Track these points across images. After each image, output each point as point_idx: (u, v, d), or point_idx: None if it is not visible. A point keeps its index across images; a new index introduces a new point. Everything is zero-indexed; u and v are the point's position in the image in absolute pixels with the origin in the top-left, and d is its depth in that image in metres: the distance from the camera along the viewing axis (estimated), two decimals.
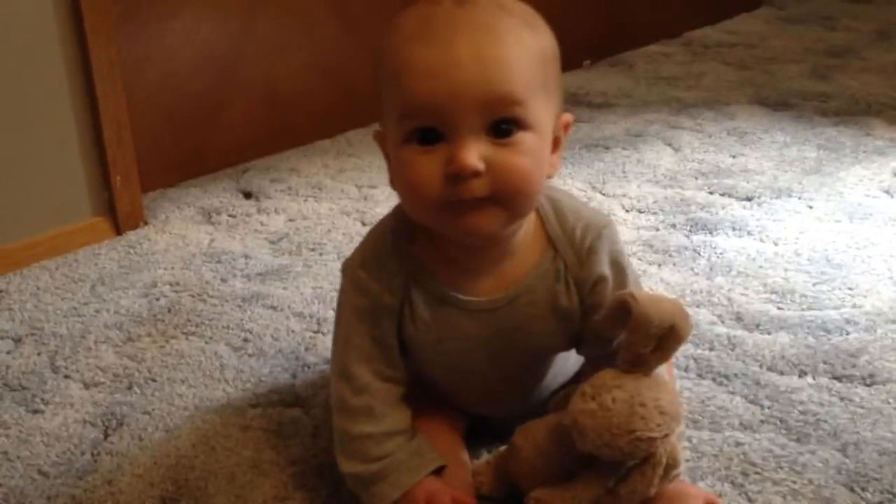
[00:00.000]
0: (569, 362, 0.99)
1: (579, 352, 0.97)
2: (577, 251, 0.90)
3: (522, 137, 0.81)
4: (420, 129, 0.80)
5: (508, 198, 0.81)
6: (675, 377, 1.09)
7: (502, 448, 0.95)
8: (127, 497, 0.97)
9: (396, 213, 0.92)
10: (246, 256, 1.45)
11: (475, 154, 0.78)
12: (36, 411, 1.12)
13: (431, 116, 0.79)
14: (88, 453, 1.04)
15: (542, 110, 0.82)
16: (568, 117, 0.88)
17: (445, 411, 1.00)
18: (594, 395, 0.82)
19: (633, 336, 0.82)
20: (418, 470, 0.90)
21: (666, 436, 0.82)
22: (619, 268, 0.91)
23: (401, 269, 0.90)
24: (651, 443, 0.81)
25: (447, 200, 0.80)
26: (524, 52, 0.81)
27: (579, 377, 0.98)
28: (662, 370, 0.88)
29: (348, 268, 0.93)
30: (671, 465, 0.84)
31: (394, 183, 0.87)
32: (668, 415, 0.82)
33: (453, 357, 0.93)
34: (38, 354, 1.22)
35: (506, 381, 0.96)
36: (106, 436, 1.07)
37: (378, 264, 0.91)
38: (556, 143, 0.87)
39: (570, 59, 2.24)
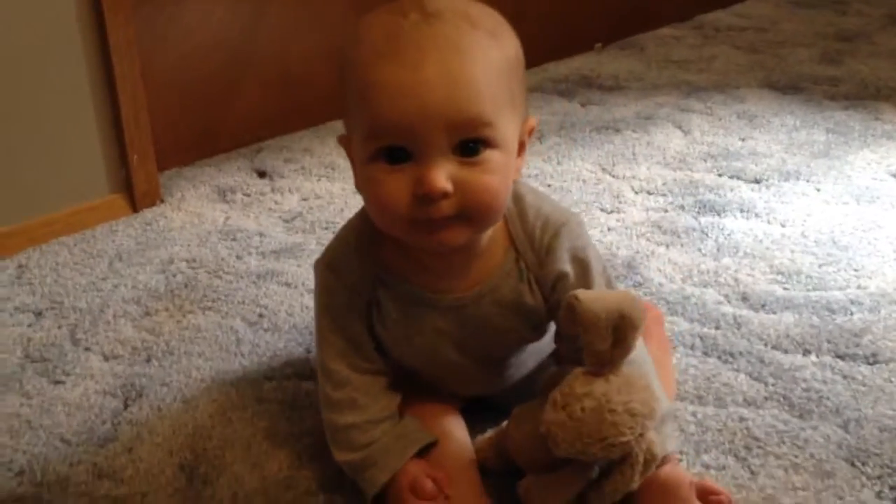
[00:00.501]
0: (542, 342, 1.00)
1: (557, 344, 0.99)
2: (537, 251, 0.92)
3: (490, 156, 0.82)
4: (388, 148, 0.81)
5: (476, 215, 0.83)
6: (672, 362, 1.10)
7: (504, 423, 0.98)
8: (147, 464, 1.00)
9: (362, 215, 0.93)
10: (260, 234, 1.48)
11: (444, 175, 0.80)
12: (57, 382, 1.15)
13: (400, 137, 0.80)
14: (109, 422, 1.07)
15: (510, 125, 0.84)
16: (532, 122, 0.89)
17: (439, 391, 1.02)
18: (564, 404, 0.82)
19: (587, 335, 0.82)
20: (404, 452, 0.93)
21: (641, 435, 0.83)
22: (581, 264, 0.92)
23: (365, 271, 0.92)
24: (625, 446, 0.82)
25: (416, 219, 0.82)
26: (491, 69, 0.81)
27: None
28: (641, 360, 0.89)
29: (318, 268, 0.96)
30: (649, 460, 0.85)
31: (359, 189, 0.88)
32: (639, 415, 0.82)
33: (425, 350, 0.95)
34: (59, 328, 1.25)
35: (479, 368, 0.98)
36: (126, 406, 1.10)
37: (344, 266, 0.93)
38: (521, 147, 0.88)
39: (582, 41, 2.25)
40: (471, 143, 0.81)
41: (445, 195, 0.80)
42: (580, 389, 0.82)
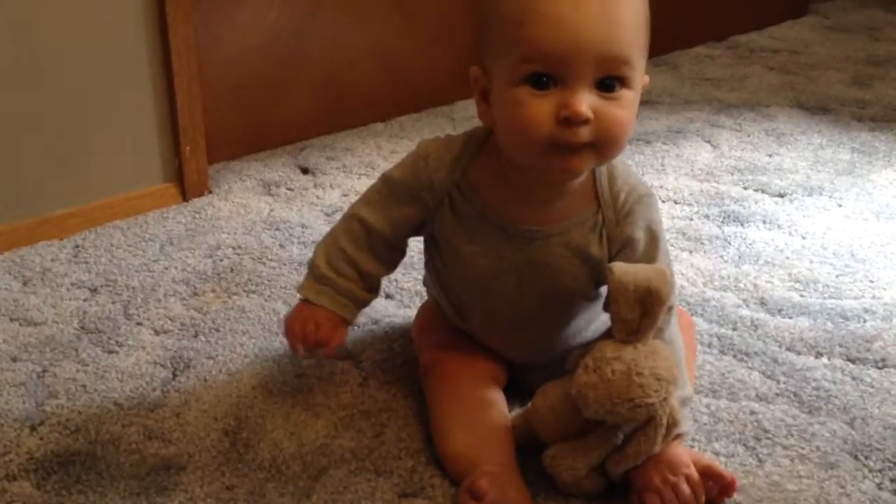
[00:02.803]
0: (591, 325, 1.07)
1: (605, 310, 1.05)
2: (618, 210, 0.99)
3: (624, 94, 0.91)
4: (535, 74, 0.89)
5: (606, 145, 0.91)
6: (693, 367, 1.14)
7: (529, 404, 1.04)
8: (193, 428, 1.08)
9: (472, 133, 1.02)
10: (303, 226, 1.56)
11: (586, 104, 0.88)
12: (111, 352, 1.23)
13: (552, 64, 0.88)
14: (159, 390, 1.15)
15: (640, 70, 0.93)
16: (646, 79, 0.97)
17: (488, 364, 1.08)
18: (595, 367, 0.91)
19: (616, 305, 0.90)
20: (320, 298, 1.07)
21: (665, 399, 0.90)
22: (652, 235, 1.00)
23: (451, 177, 1.01)
24: (650, 408, 0.90)
25: (555, 142, 0.89)
26: (638, 14, 0.91)
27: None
28: (667, 341, 0.95)
29: (423, 142, 1.04)
30: (671, 424, 0.92)
31: (485, 116, 0.96)
32: (664, 380, 0.90)
33: (483, 272, 1.02)
34: (113, 303, 1.33)
35: (530, 317, 1.04)
36: (174, 376, 1.18)
37: (437, 161, 1.01)
38: None
39: None
40: (611, 80, 0.89)
41: (586, 121, 0.88)
42: (611, 354, 0.90)
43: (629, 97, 0.91)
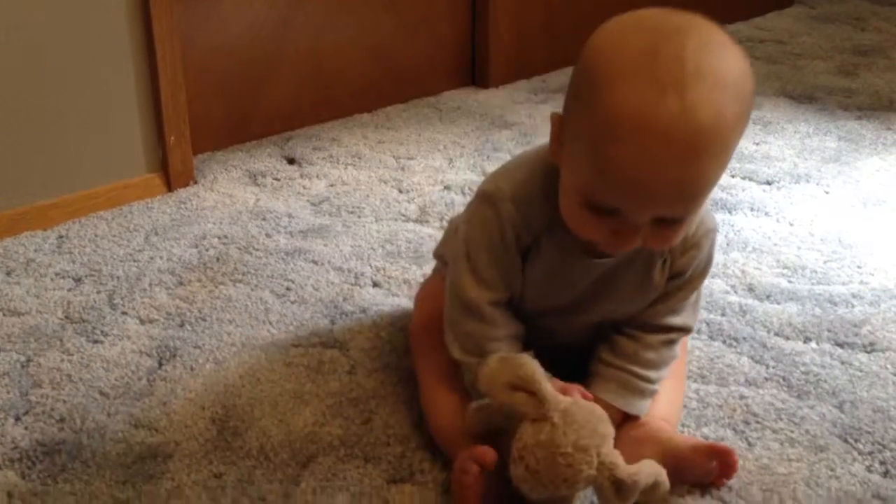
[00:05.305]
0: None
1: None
2: (686, 241, 0.96)
3: (685, 221, 0.87)
4: (599, 206, 0.85)
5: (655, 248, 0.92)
6: (682, 391, 1.09)
7: None
8: (180, 416, 1.07)
9: (547, 159, 0.93)
10: (289, 215, 1.55)
11: (640, 239, 0.86)
12: (96, 341, 1.22)
13: (614, 207, 0.84)
14: (145, 379, 1.14)
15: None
16: None
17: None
18: (520, 457, 0.87)
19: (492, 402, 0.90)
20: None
21: (600, 463, 0.86)
22: (701, 276, 1.00)
23: (544, 213, 0.94)
24: (587, 478, 0.86)
25: (605, 247, 0.89)
26: (723, 163, 0.84)
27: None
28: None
29: (496, 198, 0.95)
30: (618, 482, 0.86)
31: (555, 158, 0.90)
32: (590, 448, 0.86)
33: (549, 295, 1.00)
34: (98, 293, 1.32)
35: (573, 327, 1.03)
36: (160, 365, 1.17)
37: (527, 203, 0.94)
38: None
39: None
40: (673, 219, 0.86)
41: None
42: (530, 440, 0.87)
43: (688, 222, 0.88)
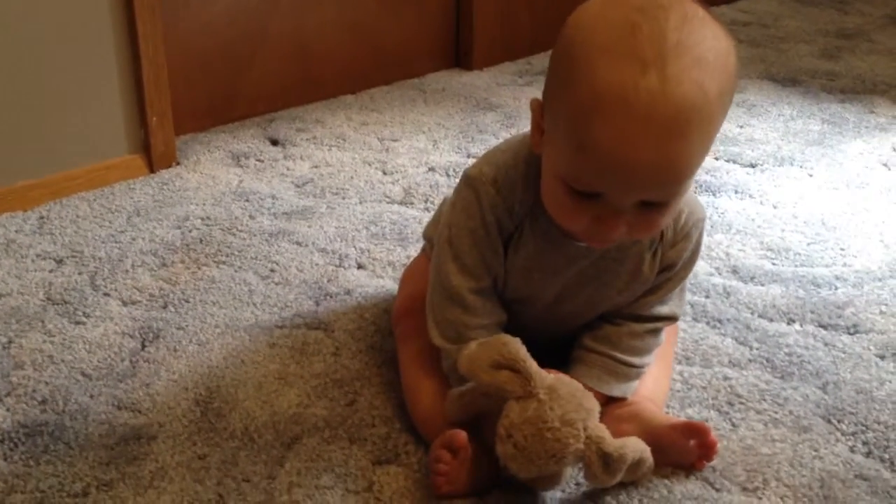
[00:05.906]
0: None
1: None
2: (677, 232, 0.96)
3: (669, 206, 0.85)
4: (579, 190, 0.84)
5: (640, 237, 0.91)
6: (669, 373, 1.10)
7: None
8: (164, 398, 1.06)
9: (529, 145, 0.93)
10: (273, 197, 1.54)
11: (623, 226, 0.84)
12: (78, 323, 1.20)
13: (596, 191, 0.83)
14: (127, 360, 1.13)
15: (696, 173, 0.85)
16: None
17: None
18: (507, 435, 0.87)
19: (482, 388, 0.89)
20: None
21: (588, 437, 0.86)
22: (689, 267, 0.99)
23: (526, 198, 0.93)
24: (576, 452, 0.87)
25: (587, 235, 0.87)
26: (706, 142, 0.81)
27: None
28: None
29: (478, 181, 0.94)
30: (605, 456, 0.87)
31: (536, 147, 0.89)
32: (577, 421, 0.86)
33: (533, 284, 0.98)
34: (79, 274, 1.31)
35: (559, 318, 1.02)
36: (143, 346, 1.16)
37: (509, 187, 0.93)
38: None
39: None
40: (655, 202, 0.84)
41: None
42: (517, 418, 0.87)
43: (673, 206, 0.86)
